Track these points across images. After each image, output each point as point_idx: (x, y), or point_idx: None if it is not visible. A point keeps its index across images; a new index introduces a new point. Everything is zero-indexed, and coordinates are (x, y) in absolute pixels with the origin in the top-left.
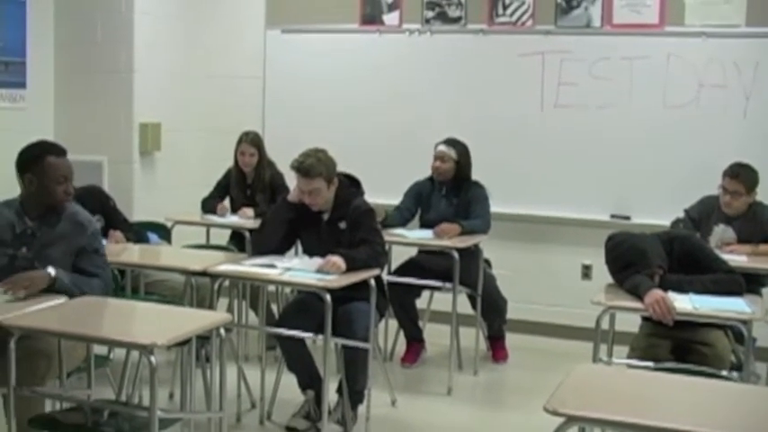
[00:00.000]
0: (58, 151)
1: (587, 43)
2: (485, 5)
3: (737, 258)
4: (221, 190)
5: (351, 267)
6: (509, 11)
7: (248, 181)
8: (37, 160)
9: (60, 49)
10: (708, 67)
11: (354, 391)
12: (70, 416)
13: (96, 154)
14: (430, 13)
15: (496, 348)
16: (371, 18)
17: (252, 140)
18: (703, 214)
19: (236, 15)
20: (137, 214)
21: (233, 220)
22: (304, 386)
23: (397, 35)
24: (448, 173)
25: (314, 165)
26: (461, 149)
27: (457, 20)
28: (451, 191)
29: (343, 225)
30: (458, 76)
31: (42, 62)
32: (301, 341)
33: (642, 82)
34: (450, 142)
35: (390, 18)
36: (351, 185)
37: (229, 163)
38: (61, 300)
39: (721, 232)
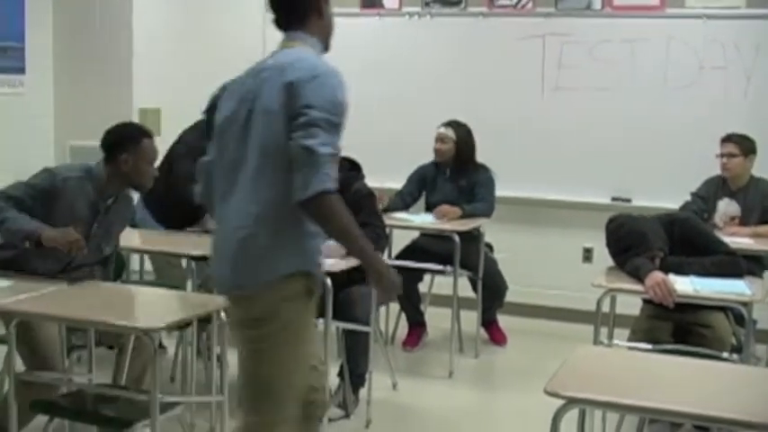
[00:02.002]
0: (151, 134)
1: (588, 26)
2: None
3: (741, 241)
4: None
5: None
6: None
7: None
8: (134, 141)
9: (59, 35)
10: (708, 49)
11: (355, 374)
12: (71, 400)
13: (96, 139)
14: None
15: (493, 331)
16: (371, 1)
17: None
18: (710, 192)
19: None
20: (136, 199)
21: None
22: None
23: (397, 18)
24: (447, 154)
25: None
26: (462, 131)
27: (457, 3)
28: (455, 173)
29: None
30: (458, 59)
31: (41, 48)
32: None
33: (643, 64)
34: (450, 124)
35: (390, 1)
36: (351, 169)
37: None
38: (62, 285)
39: (725, 206)
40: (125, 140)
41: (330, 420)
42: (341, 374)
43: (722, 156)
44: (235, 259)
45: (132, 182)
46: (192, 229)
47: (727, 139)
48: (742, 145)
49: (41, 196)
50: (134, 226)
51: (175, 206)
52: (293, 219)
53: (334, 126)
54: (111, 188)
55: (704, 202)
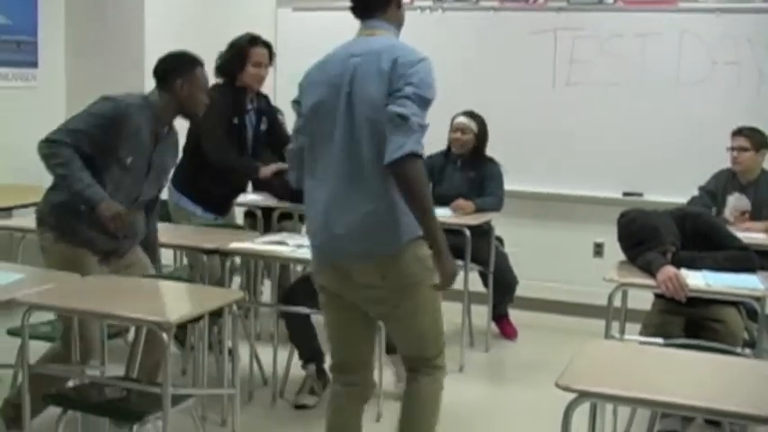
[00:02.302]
0: (203, 63)
1: (600, 20)
2: None
3: (755, 236)
4: None
5: None
6: None
7: None
8: (189, 67)
9: (71, 29)
10: (721, 44)
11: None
12: (83, 392)
13: None
14: None
15: (504, 325)
16: None
17: None
18: (719, 187)
19: None
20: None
21: (249, 198)
22: (305, 359)
23: (409, 12)
24: (467, 144)
25: None
26: (481, 122)
27: None
28: (467, 164)
29: None
30: (469, 53)
31: (53, 41)
32: (306, 316)
33: (655, 59)
34: (471, 114)
35: None
36: None
37: None
38: (74, 275)
39: (735, 201)
40: (180, 67)
41: (307, 407)
42: (311, 360)
43: (732, 149)
44: (370, 230)
45: (186, 109)
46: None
47: (738, 132)
48: (753, 139)
49: (107, 124)
50: (167, 218)
51: (218, 178)
52: None
53: (425, 103)
54: (166, 116)
55: (712, 197)
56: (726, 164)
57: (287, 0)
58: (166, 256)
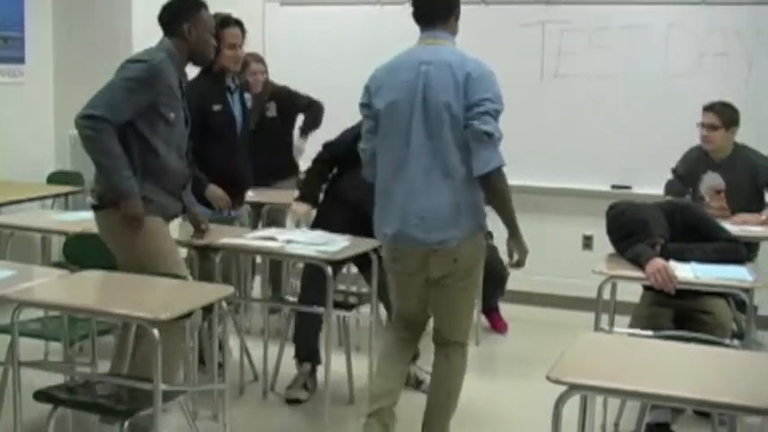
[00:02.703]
0: (206, 5)
1: (587, 13)
2: None
3: (753, 229)
4: None
5: None
6: None
7: None
8: (193, 10)
9: (59, 25)
10: (709, 36)
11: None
12: (74, 389)
13: None
14: None
15: (494, 319)
16: None
17: None
18: (691, 167)
19: None
20: None
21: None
22: (303, 358)
23: (398, 7)
24: None
25: None
26: None
27: None
28: None
29: None
30: (459, 46)
31: (41, 37)
32: (318, 317)
33: (643, 51)
34: None
35: None
36: None
37: None
38: (63, 272)
39: (709, 179)
40: (184, 10)
41: (300, 401)
42: (308, 360)
43: (702, 125)
44: (447, 220)
45: (195, 53)
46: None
47: (710, 108)
48: (724, 115)
49: (145, 85)
50: None
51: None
52: (474, 187)
53: (499, 116)
54: (181, 63)
55: (684, 182)
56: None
57: None
58: None
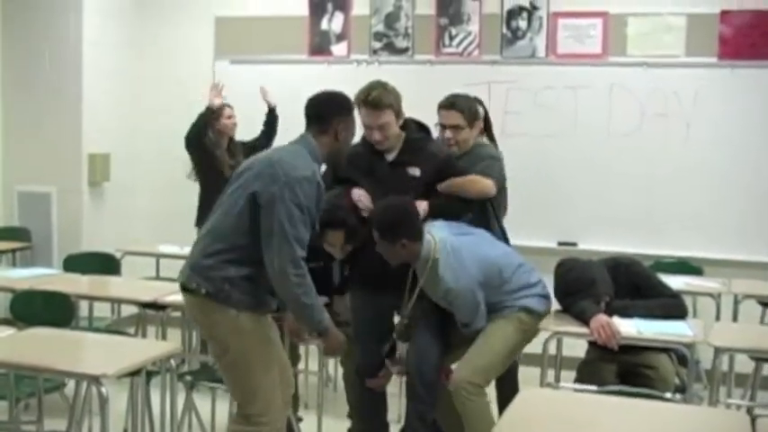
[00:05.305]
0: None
1: (532, 73)
2: (432, 36)
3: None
4: None
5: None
6: (455, 41)
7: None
8: (350, 111)
9: (7, 79)
10: (650, 97)
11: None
12: None
13: (45, 184)
14: (377, 44)
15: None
16: (320, 48)
17: None
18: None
19: (185, 46)
20: (85, 245)
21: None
22: None
23: (346, 66)
24: None
25: (382, 95)
26: None
27: (404, 50)
28: None
29: (415, 172)
30: (406, 105)
31: None
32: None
33: (586, 111)
34: None
35: (338, 49)
36: (419, 130)
37: (181, 193)
38: (11, 331)
39: None
40: (342, 110)
41: None
42: None
43: (444, 127)
44: None
45: (337, 154)
46: None
47: (450, 105)
48: (468, 113)
49: (317, 204)
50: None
51: None
52: None
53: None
54: (320, 161)
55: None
56: (655, 213)
57: (224, 52)
58: (103, 309)
